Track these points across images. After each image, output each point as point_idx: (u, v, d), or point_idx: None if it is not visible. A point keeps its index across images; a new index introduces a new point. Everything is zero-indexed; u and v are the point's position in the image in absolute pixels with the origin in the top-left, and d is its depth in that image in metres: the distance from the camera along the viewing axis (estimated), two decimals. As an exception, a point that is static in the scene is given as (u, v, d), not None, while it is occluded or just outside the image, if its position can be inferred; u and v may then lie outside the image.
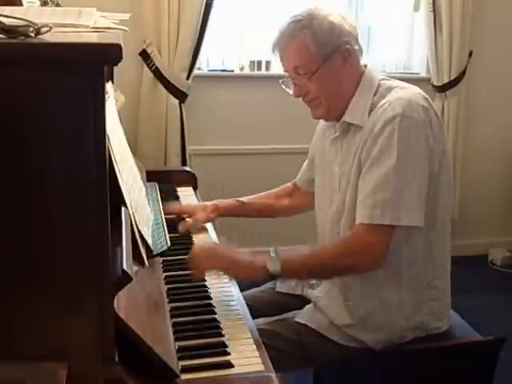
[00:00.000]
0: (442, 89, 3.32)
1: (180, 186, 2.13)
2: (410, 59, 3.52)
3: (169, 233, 1.60)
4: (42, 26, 0.86)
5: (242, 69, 3.25)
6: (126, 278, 0.96)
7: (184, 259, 1.48)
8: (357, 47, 1.55)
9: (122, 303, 0.97)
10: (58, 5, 1.57)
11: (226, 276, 1.46)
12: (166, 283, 1.40)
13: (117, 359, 0.93)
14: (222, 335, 1.21)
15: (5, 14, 0.88)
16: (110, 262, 0.91)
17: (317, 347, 1.57)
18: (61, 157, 0.85)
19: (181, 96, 3.00)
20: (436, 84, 3.33)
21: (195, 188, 2.16)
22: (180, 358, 1.11)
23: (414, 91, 1.51)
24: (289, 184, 1.95)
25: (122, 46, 0.81)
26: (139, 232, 1.29)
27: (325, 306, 1.59)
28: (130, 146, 1.60)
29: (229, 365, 1.11)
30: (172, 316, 1.25)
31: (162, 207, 1.78)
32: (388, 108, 1.46)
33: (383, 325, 1.54)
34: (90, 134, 0.84)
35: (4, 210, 0.85)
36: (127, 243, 1.10)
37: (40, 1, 1.51)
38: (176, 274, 1.46)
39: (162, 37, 2.89)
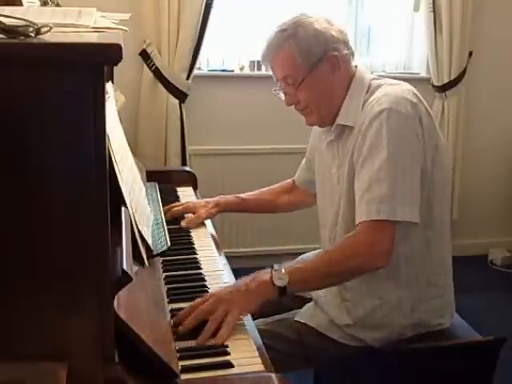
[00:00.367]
0: (442, 89, 3.33)
1: (180, 186, 2.13)
2: (410, 59, 3.52)
3: (170, 232, 1.60)
4: (42, 26, 0.86)
5: (242, 69, 3.25)
6: (125, 278, 0.96)
7: (184, 259, 1.48)
8: (346, 51, 1.54)
9: (122, 303, 0.97)
10: (58, 5, 1.57)
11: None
12: (166, 283, 1.40)
13: (117, 359, 0.93)
14: (222, 335, 1.21)
15: (5, 13, 0.88)
16: (110, 262, 0.91)
17: (316, 346, 1.57)
18: (61, 157, 0.85)
19: (181, 96, 3.00)
20: (436, 84, 3.33)
21: (195, 188, 2.16)
22: (180, 358, 1.11)
23: (402, 87, 1.50)
24: (289, 180, 1.96)
25: (122, 46, 0.81)
26: (139, 232, 1.29)
27: (325, 305, 1.59)
28: (130, 145, 1.60)
29: (229, 365, 1.11)
30: (172, 316, 1.25)
31: (161, 207, 1.79)
32: (375, 104, 1.45)
33: (383, 323, 1.54)
34: (90, 134, 0.84)
35: (4, 210, 0.85)
36: (127, 243, 1.10)
37: (40, 1, 1.51)
38: (176, 274, 1.45)
39: (162, 37, 2.90)
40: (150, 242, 1.37)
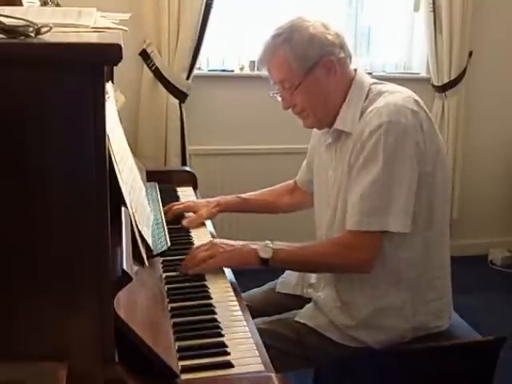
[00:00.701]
0: (442, 89, 3.33)
1: (180, 186, 2.13)
2: (410, 59, 3.52)
3: (170, 232, 1.60)
4: (42, 26, 0.86)
5: (242, 69, 3.25)
6: (125, 278, 0.96)
7: (184, 259, 1.49)
8: (342, 55, 1.54)
9: (122, 303, 0.97)
10: (58, 5, 1.57)
11: (223, 269, 1.49)
12: (166, 283, 1.40)
13: (117, 359, 0.93)
14: (222, 335, 1.21)
15: (5, 13, 0.88)
16: (110, 262, 0.91)
17: (316, 346, 1.57)
18: (61, 157, 0.85)
19: (181, 96, 3.00)
20: (436, 84, 3.33)
21: (195, 188, 2.16)
22: (180, 358, 1.11)
23: (403, 95, 1.49)
24: (290, 181, 1.97)
25: (122, 46, 0.81)
26: (139, 232, 1.29)
27: (324, 306, 1.59)
28: (130, 145, 1.60)
29: (229, 365, 1.11)
30: (172, 316, 1.25)
31: (161, 207, 1.79)
32: (375, 115, 1.45)
33: (383, 326, 1.54)
34: (90, 134, 0.84)
35: (4, 210, 0.85)
36: (127, 243, 1.10)
37: (40, 1, 1.51)
38: (176, 274, 1.45)
39: (162, 37, 2.89)
40: (150, 242, 1.37)
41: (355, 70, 1.59)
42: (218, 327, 1.24)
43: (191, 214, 1.83)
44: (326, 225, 1.62)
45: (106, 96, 0.94)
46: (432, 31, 3.24)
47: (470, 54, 3.34)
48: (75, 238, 0.87)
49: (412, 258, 1.52)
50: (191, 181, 2.19)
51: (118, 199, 1.17)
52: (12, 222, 0.86)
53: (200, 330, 1.21)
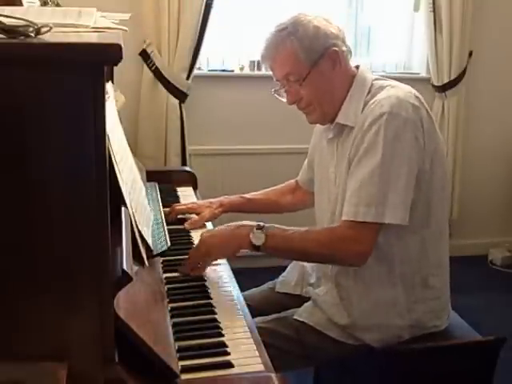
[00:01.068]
0: (442, 89, 3.33)
1: (180, 186, 2.13)
2: (410, 59, 3.52)
3: (170, 232, 1.60)
4: (42, 26, 0.86)
5: (242, 69, 3.25)
6: (125, 278, 0.96)
7: (184, 259, 1.49)
8: (344, 48, 1.55)
9: (122, 303, 0.97)
10: (58, 5, 1.57)
11: (223, 270, 1.50)
12: (166, 283, 1.40)
13: (117, 359, 0.93)
14: (222, 335, 1.21)
15: (5, 13, 0.88)
16: (110, 262, 0.91)
17: (315, 344, 1.57)
18: (61, 157, 0.85)
19: (181, 96, 3.00)
20: (436, 84, 3.33)
21: (195, 188, 2.16)
22: (180, 358, 1.11)
23: (404, 90, 1.51)
24: (292, 181, 1.97)
25: (122, 46, 0.81)
26: (139, 232, 1.29)
27: (323, 304, 1.59)
28: (130, 145, 1.60)
29: (229, 365, 1.11)
30: (172, 316, 1.25)
31: (161, 207, 1.79)
32: (377, 106, 1.46)
33: (379, 324, 1.54)
34: (90, 134, 0.84)
35: (4, 210, 0.85)
36: (127, 243, 1.10)
37: (40, 1, 1.51)
38: (176, 275, 1.46)
39: (162, 37, 2.90)
40: (150, 242, 1.37)
41: (358, 66, 1.60)
42: (218, 327, 1.24)
43: (194, 215, 1.83)
44: (326, 222, 1.62)
45: (106, 96, 0.94)
46: (432, 31, 3.24)
47: (470, 53, 3.34)
48: (75, 238, 0.87)
49: (406, 254, 1.52)
50: (191, 181, 2.19)
51: (118, 199, 1.17)
52: (12, 221, 0.86)
53: (200, 330, 1.22)
